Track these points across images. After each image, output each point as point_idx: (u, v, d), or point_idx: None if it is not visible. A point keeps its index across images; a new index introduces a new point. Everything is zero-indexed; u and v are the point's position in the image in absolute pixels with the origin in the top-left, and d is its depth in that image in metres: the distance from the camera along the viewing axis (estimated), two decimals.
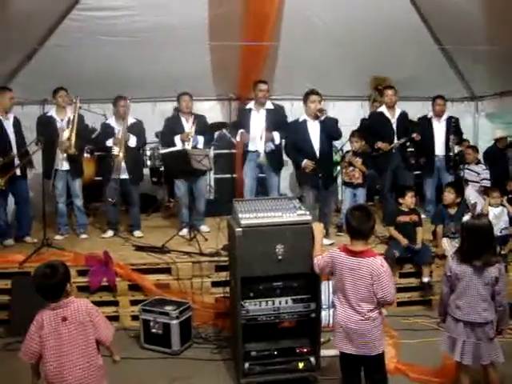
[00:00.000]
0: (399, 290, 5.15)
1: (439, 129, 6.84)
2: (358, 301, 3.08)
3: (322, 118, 5.55)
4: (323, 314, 4.77)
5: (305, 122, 5.67)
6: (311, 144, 5.60)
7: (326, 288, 4.87)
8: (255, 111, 6.19)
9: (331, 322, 4.81)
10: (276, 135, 6.06)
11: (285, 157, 6.21)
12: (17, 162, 5.79)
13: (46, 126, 5.93)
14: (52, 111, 6.10)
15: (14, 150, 5.80)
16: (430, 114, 6.88)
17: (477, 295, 3.22)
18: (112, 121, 6.20)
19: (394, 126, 6.52)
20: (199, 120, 6.24)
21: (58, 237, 6.01)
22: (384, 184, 6.54)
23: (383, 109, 6.60)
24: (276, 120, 6.13)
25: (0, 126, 5.78)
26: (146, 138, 6.47)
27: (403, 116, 6.65)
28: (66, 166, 6.02)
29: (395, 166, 6.50)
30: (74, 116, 5.89)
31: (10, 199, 6.11)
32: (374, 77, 7.87)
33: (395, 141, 6.47)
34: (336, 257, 3.20)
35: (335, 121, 5.74)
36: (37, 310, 4.65)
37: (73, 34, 6.54)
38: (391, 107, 6.56)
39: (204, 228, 6.28)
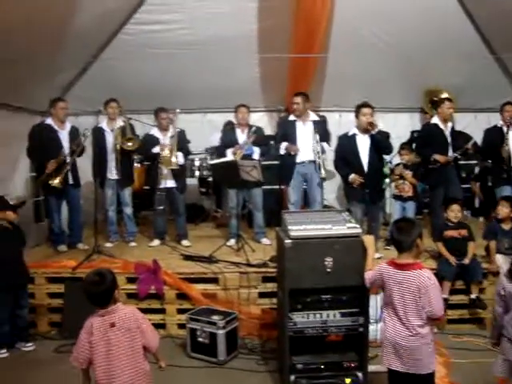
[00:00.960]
0: (450, 306, 5.03)
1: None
2: (406, 315, 3.02)
3: (373, 132, 5.46)
4: (371, 328, 4.70)
5: (354, 135, 5.59)
6: (359, 158, 5.52)
7: (375, 302, 4.80)
8: (300, 122, 6.12)
9: (379, 336, 4.76)
10: (326, 146, 6.07)
11: (332, 168, 6.15)
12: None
13: (97, 137, 6.13)
14: (103, 122, 6.30)
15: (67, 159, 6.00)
16: (500, 123, 6.42)
17: None
18: (155, 131, 6.28)
19: (449, 138, 6.30)
20: (256, 131, 6.24)
21: (108, 244, 6.17)
22: (437, 197, 6.32)
23: (437, 120, 6.34)
24: (323, 130, 6.09)
25: (56, 135, 6.02)
26: (189, 147, 6.54)
27: (453, 128, 6.45)
28: (115, 174, 6.18)
29: (448, 180, 6.33)
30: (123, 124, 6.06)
31: (64, 207, 6.32)
32: (429, 89, 7.70)
33: (450, 153, 6.24)
34: (384, 271, 3.16)
35: (386, 135, 5.66)
36: (88, 314, 4.80)
37: (125, 47, 6.75)
38: (446, 120, 6.33)
39: (265, 241, 6.21)
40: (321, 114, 6.54)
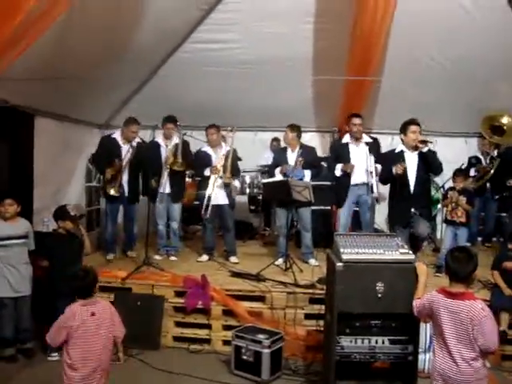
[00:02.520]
0: (506, 342, 4.81)
1: None
2: (458, 347, 2.91)
3: (425, 149, 5.31)
4: (420, 358, 4.58)
5: (402, 152, 5.47)
6: (406, 176, 5.36)
7: (424, 331, 4.68)
8: (353, 145, 6.13)
9: (427, 367, 4.63)
10: (379, 167, 5.99)
11: (381, 189, 6.06)
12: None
13: (153, 151, 6.29)
14: (159, 138, 6.46)
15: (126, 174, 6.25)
16: None
17: None
18: (208, 148, 6.38)
19: None
20: (307, 152, 6.20)
21: (156, 257, 6.28)
22: (506, 225, 6.09)
23: None
24: (375, 152, 6.06)
25: (119, 150, 6.26)
26: (239, 167, 6.60)
27: None
28: (168, 189, 6.31)
29: None
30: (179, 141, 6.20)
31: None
32: (488, 116, 7.50)
33: None
34: (434, 299, 3.08)
35: (435, 153, 5.53)
36: (135, 323, 4.94)
37: (182, 64, 6.93)
38: None
39: (313, 261, 6.13)
40: (373, 136, 6.46)
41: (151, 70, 7.18)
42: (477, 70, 6.65)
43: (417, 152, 5.40)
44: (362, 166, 5.92)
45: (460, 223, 6.03)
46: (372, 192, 5.73)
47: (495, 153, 7.29)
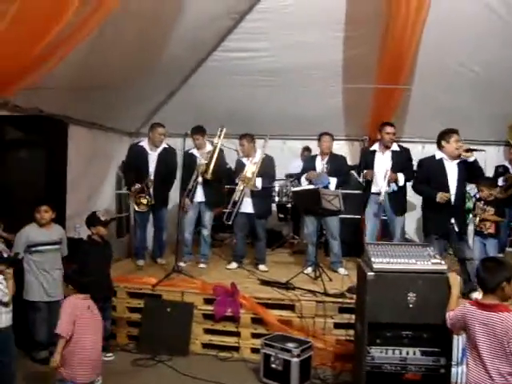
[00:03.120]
0: None
1: None
2: (492, 361, 2.85)
3: (471, 159, 5.16)
4: (452, 371, 4.50)
5: (441, 160, 5.32)
6: (447, 186, 5.23)
7: (457, 343, 4.59)
8: (380, 153, 6.14)
9: (459, 380, 4.53)
10: (401, 176, 5.94)
11: (410, 198, 5.99)
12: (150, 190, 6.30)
13: (188, 162, 6.36)
14: (193, 149, 6.51)
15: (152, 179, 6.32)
16: None
17: None
18: (242, 157, 6.45)
19: None
20: (337, 160, 6.24)
21: (181, 263, 6.21)
22: None
23: None
24: (401, 162, 6.03)
25: (145, 157, 6.36)
26: (275, 173, 6.59)
27: None
28: (200, 197, 6.37)
29: None
30: (216, 145, 6.24)
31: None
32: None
33: None
34: (467, 311, 3.04)
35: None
36: (164, 330, 4.99)
37: (212, 73, 7.00)
38: None
39: (342, 270, 6.10)
40: (404, 145, 6.40)
41: (181, 79, 7.27)
42: (506, 77, 6.54)
43: (457, 161, 5.28)
44: (381, 174, 5.94)
45: (488, 234, 5.92)
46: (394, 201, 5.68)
47: None
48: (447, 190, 5.22)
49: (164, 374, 4.63)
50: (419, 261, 3.57)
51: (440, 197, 5.13)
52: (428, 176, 5.39)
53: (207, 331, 5.20)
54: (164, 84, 7.14)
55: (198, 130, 6.36)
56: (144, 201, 6.17)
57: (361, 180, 6.05)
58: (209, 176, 6.14)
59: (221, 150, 6.36)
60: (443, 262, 3.57)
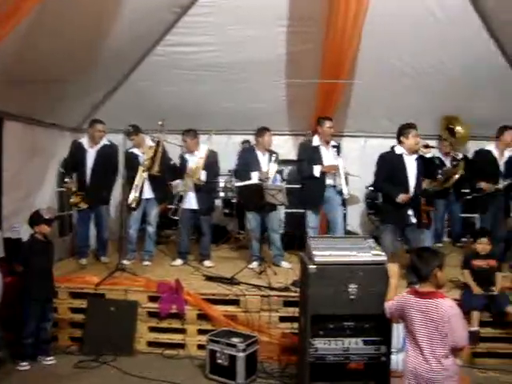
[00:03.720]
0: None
1: None
2: (429, 346, 2.97)
3: (429, 155, 5.33)
4: (393, 358, 4.63)
5: (401, 155, 5.43)
6: (407, 180, 5.37)
7: (397, 331, 4.73)
8: (323, 147, 6.19)
9: (401, 367, 4.67)
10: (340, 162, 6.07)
11: (353, 192, 6.12)
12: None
13: (130, 161, 6.23)
14: (133, 148, 6.40)
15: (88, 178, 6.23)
16: None
17: None
18: (186, 153, 6.39)
19: (502, 167, 6.20)
20: (277, 158, 6.28)
21: (124, 261, 6.11)
22: (481, 225, 6.20)
23: (492, 148, 6.29)
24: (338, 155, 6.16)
25: (84, 154, 6.25)
26: (219, 168, 6.57)
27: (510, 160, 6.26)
28: (147, 194, 6.28)
29: (496, 210, 6.20)
30: (158, 140, 6.19)
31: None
32: (445, 116, 7.70)
33: (500, 182, 6.13)
34: (405, 300, 3.14)
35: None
36: (109, 330, 4.87)
37: (155, 68, 6.88)
38: (504, 149, 6.24)
39: (285, 264, 6.18)
40: (346, 140, 6.53)
41: (124, 73, 7.10)
42: (445, 74, 6.77)
43: (415, 156, 5.41)
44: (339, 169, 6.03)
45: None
46: (341, 194, 5.75)
47: (460, 155, 7.45)
48: (407, 184, 5.37)
49: (108, 375, 4.52)
50: (360, 253, 3.63)
51: (401, 199, 5.29)
52: (388, 171, 5.49)
53: (152, 329, 5.12)
54: (106, 78, 6.95)
55: (131, 131, 6.19)
56: (74, 200, 6.01)
57: (317, 174, 6.04)
58: (155, 171, 6.05)
59: (163, 146, 6.28)
60: (383, 253, 3.66)
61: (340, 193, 6.09)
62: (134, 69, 7.03)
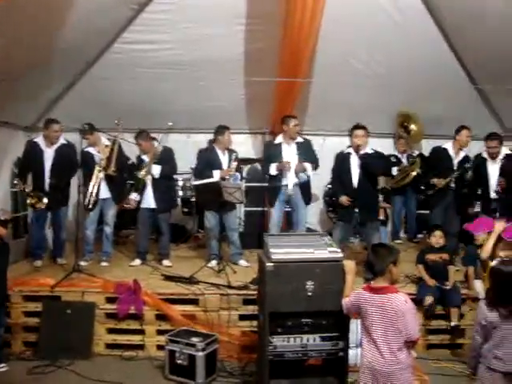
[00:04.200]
0: (429, 332, 5.06)
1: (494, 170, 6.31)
2: (383, 340, 3.03)
3: (361, 152, 5.55)
4: (351, 353, 4.69)
5: (348, 154, 5.72)
6: (350, 176, 5.62)
7: (355, 327, 4.80)
8: (286, 145, 6.22)
9: (359, 361, 4.75)
10: (308, 166, 6.10)
11: (316, 192, 6.19)
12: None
13: (86, 160, 6.15)
14: (89, 147, 6.28)
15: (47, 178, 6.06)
16: (484, 154, 6.42)
17: None
18: (142, 155, 6.34)
19: (456, 166, 6.36)
20: (236, 156, 6.26)
21: (82, 262, 6.01)
22: (433, 221, 6.33)
23: (449, 146, 6.45)
24: (306, 152, 6.19)
25: (41, 154, 6.08)
26: (175, 165, 6.49)
27: (466, 159, 6.42)
28: (104, 194, 6.17)
29: (446, 206, 6.37)
30: (110, 142, 6.08)
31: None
32: (400, 113, 7.86)
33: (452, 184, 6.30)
34: (360, 296, 3.20)
35: (378, 156, 5.76)
36: (66, 333, 4.76)
37: (113, 65, 6.76)
38: (460, 148, 6.40)
39: (243, 263, 6.19)
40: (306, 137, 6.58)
41: (80, 70, 6.94)
42: (401, 74, 6.91)
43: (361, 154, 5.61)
44: (292, 165, 6.03)
45: (379, 221, 6.26)
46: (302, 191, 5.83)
47: (416, 152, 7.63)
48: (350, 180, 5.60)
49: (64, 380, 4.45)
50: (317, 250, 3.66)
51: (342, 200, 5.57)
52: (338, 170, 5.78)
53: (111, 331, 5.06)
54: (61, 75, 6.78)
55: (86, 130, 6.05)
56: (31, 201, 5.86)
57: (273, 172, 6.07)
58: (111, 171, 5.96)
59: (119, 145, 6.21)
60: (339, 250, 3.70)
61: (303, 190, 6.15)
62: (91, 66, 6.89)
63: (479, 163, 6.38)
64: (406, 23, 6.33)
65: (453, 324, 5.02)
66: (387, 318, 3.02)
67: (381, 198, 6.34)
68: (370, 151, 5.73)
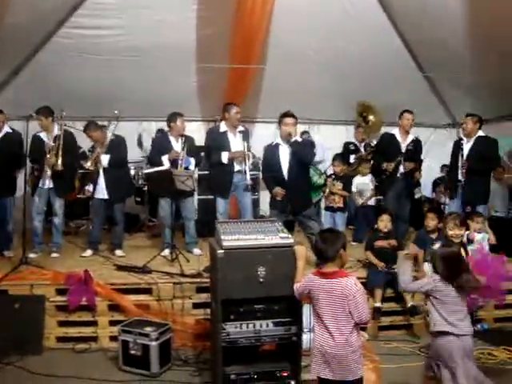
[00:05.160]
0: (382, 314, 5.17)
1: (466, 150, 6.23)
2: (334, 324, 3.07)
3: (291, 140, 5.44)
4: (305, 337, 4.75)
5: (277, 145, 5.61)
6: (280, 167, 5.51)
7: (308, 311, 4.86)
8: (231, 134, 6.14)
9: (312, 346, 4.83)
10: (251, 155, 6.11)
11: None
12: None
13: (37, 147, 5.92)
14: (41, 132, 6.07)
15: None
16: (461, 134, 6.50)
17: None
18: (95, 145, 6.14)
19: (404, 150, 6.45)
20: (189, 141, 6.17)
21: (31, 254, 5.84)
22: (384, 206, 6.43)
23: (396, 131, 6.52)
24: (248, 141, 6.16)
25: None
26: (125, 154, 6.33)
27: (415, 142, 6.54)
28: (49, 183, 5.99)
29: (399, 191, 6.46)
30: (60, 133, 5.90)
31: None
32: (360, 102, 8.00)
33: (401, 166, 6.40)
34: (310, 281, 3.22)
35: (308, 144, 5.71)
36: (13, 329, 4.60)
37: (61, 51, 6.61)
38: (405, 132, 6.48)
39: (197, 251, 6.16)
40: (258, 126, 6.60)
41: (26, 55, 6.73)
42: (353, 63, 7.00)
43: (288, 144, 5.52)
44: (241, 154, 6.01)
45: (338, 208, 6.36)
46: (246, 177, 5.85)
47: (374, 141, 7.76)
48: (280, 171, 5.51)
49: (13, 377, 4.26)
50: (267, 236, 3.66)
51: (277, 192, 5.48)
52: (268, 162, 5.68)
53: (62, 323, 4.92)
54: (6, 60, 6.55)
55: (39, 112, 5.88)
56: None
57: (225, 161, 6.02)
58: (59, 168, 5.81)
59: (70, 134, 6.05)
60: (290, 236, 3.72)
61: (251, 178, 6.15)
62: (38, 51, 6.67)
63: (456, 144, 6.42)
64: (357, 14, 6.43)
65: (409, 304, 5.13)
66: (337, 302, 3.05)
67: (339, 185, 6.40)
68: (299, 139, 5.67)
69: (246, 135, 6.20)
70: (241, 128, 6.23)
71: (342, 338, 3.05)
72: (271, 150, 5.67)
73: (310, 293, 3.23)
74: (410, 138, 6.57)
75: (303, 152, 5.53)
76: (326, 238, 3.19)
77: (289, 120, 5.50)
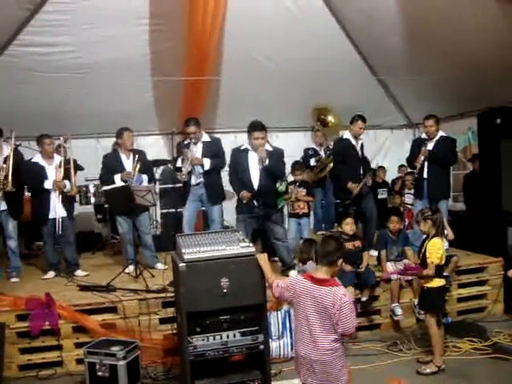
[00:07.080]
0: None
1: None
2: (319, 331, 3.04)
3: (266, 163, 5.38)
4: (274, 345, 4.77)
5: (246, 150, 5.53)
6: (249, 173, 5.47)
7: (275, 319, 4.89)
8: (193, 145, 6.04)
9: (282, 353, 4.84)
10: (206, 161, 5.96)
11: (227, 187, 6.18)
12: None
13: None
14: None
15: None
16: (423, 135, 6.57)
17: None
18: (39, 159, 5.94)
19: (359, 153, 6.49)
20: (140, 156, 6.02)
21: None
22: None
23: (349, 136, 6.49)
24: (212, 151, 6.05)
25: None
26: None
27: (362, 146, 6.60)
28: (2, 206, 5.82)
29: (365, 194, 6.46)
30: (9, 153, 5.74)
31: None
32: (316, 107, 8.09)
33: (361, 170, 6.44)
34: (298, 284, 3.17)
35: (280, 156, 5.64)
36: None
37: (9, 70, 6.45)
38: (356, 136, 6.48)
39: (160, 266, 6.09)
40: (217, 135, 6.58)
41: None
42: (307, 70, 7.09)
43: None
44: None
45: (303, 214, 6.41)
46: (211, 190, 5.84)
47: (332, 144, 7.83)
48: (249, 176, 5.47)
49: None
50: (229, 246, 3.65)
51: (243, 196, 5.44)
52: (235, 166, 5.60)
53: (24, 351, 4.77)
54: None
55: None
56: None
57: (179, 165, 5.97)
58: (9, 188, 5.64)
59: (19, 154, 5.91)
60: (251, 245, 3.72)
61: (212, 189, 6.09)
62: None
63: (418, 145, 6.48)
64: (306, 20, 6.51)
65: (363, 299, 5.26)
66: (325, 310, 3.01)
67: (303, 191, 6.43)
68: (270, 148, 5.59)
69: (211, 144, 6.09)
70: (206, 138, 6.14)
71: (327, 345, 3.03)
72: (240, 155, 5.57)
73: (296, 295, 3.17)
74: (360, 142, 6.57)
75: (276, 170, 5.54)
76: (331, 242, 3.18)
77: (258, 134, 5.37)
